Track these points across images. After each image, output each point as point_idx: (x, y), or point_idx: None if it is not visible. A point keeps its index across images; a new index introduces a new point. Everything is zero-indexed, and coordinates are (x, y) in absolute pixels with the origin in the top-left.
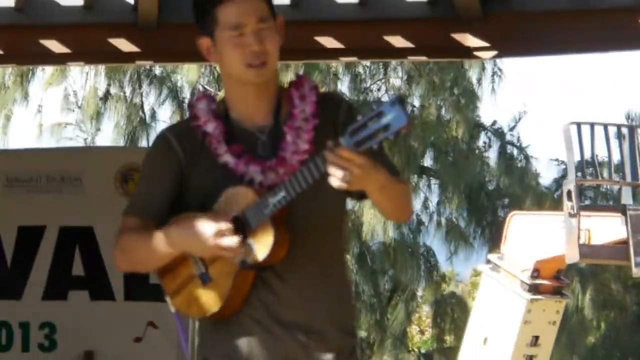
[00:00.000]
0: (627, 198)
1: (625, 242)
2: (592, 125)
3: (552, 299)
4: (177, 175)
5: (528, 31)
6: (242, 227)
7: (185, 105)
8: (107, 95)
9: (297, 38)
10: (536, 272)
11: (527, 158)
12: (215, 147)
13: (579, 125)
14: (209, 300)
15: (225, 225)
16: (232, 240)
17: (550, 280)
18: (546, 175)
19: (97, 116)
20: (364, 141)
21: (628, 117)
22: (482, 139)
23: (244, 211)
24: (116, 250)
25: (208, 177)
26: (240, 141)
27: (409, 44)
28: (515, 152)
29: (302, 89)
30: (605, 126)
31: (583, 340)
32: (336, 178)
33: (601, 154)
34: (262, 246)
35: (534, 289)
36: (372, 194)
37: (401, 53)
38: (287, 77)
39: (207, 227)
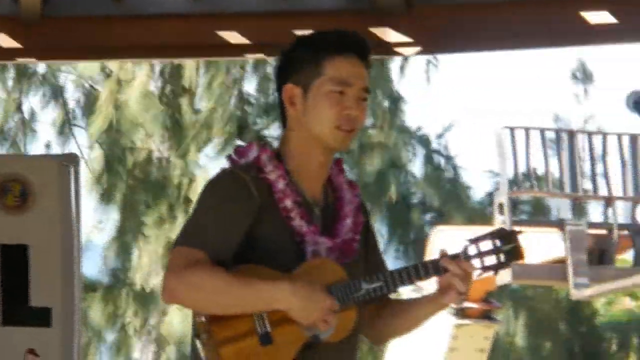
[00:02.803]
0: (565, 212)
1: (563, 261)
2: (526, 130)
3: (481, 323)
4: (252, 218)
5: (456, 25)
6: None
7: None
8: None
9: (196, 33)
10: None
11: (455, 168)
12: (285, 207)
13: (512, 130)
14: None
15: (336, 307)
16: (333, 320)
17: (478, 303)
18: (478, 188)
19: None
20: (475, 261)
21: (556, 120)
22: (407, 146)
23: (330, 286)
24: (179, 282)
25: (274, 233)
26: (302, 207)
27: None
28: (442, 161)
29: (345, 176)
30: (542, 131)
31: None
32: (457, 291)
33: (538, 162)
34: (342, 329)
35: (460, 312)
36: (425, 316)
37: None
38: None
39: (324, 302)
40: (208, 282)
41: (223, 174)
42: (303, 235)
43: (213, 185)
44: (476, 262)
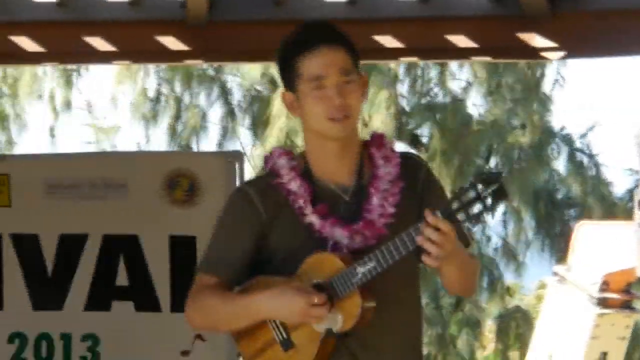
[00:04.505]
0: None
1: None
2: None
3: (622, 313)
4: (258, 234)
5: (599, 31)
6: (328, 295)
7: (237, 109)
8: (158, 97)
9: (354, 37)
10: (605, 285)
11: (597, 166)
12: (300, 206)
13: None
14: None
15: (318, 299)
16: (322, 312)
17: (619, 294)
18: (619, 185)
19: (148, 118)
20: (460, 214)
21: None
22: (551, 145)
23: (330, 279)
24: (192, 308)
25: (290, 237)
26: (323, 201)
27: (472, 44)
28: (585, 160)
29: (384, 149)
30: None
31: None
32: (432, 255)
33: None
34: (350, 316)
35: (602, 302)
36: (448, 269)
37: (464, 53)
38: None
39: (298, 299)
40: (209, 305)
41: (231, 196)
42: (319, 230)
43: (223, 209)
44: (461, 215)
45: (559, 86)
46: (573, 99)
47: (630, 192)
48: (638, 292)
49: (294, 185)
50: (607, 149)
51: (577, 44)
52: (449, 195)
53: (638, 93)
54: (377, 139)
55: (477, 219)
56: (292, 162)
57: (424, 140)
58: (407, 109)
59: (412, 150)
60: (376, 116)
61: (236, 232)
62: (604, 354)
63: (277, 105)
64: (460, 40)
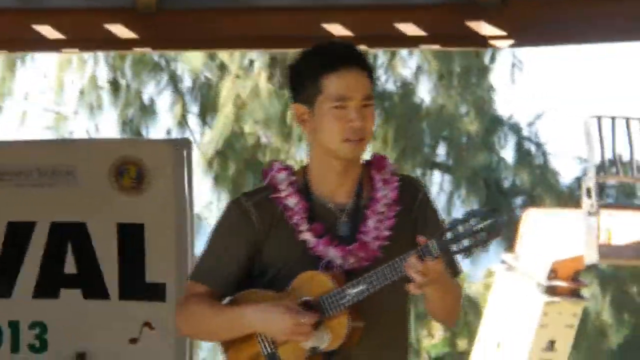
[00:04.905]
0: None
1: None
2: (613, 119)
3: (570, 301)
4: (252, 246)
5: (548, 19)
6: (317, 313)
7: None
8: (107, 84)
9: (303, 25)
10: (553, 273)
11: (545, 155)
12: (295, 223)
13: (599, 119)
14: None
15: (306, 319)
16: (309, 331)
17: (567, 282)
18: (567, 174)
19: (96, 106)
20: (451, 246)
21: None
22: (499, 133)
23: (319, 298)
24: (181, 315)
25: (284, 253)
26: (320, 219)
27: (421, 32)
28: (533, 148)
29: (384, 172)
30: (627, 120)
31: (602, 345)
32: (416, 284)
33: (623, 149)
34: (337, 335)
35: (550, 290)
36: (432, 297)
37: (413, 41)
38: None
39: (287, 317)
40: (197, 315)
41: (227, 206)
42: (313, 248)
43: (218, 219)
44: (453, 247)
45: (508, 74)
46: (521, 88)
47: (578, 181)
48: (586, 280)
49: (292, 201)
50: (555, 137)
51: (526, 33)
52: (443, 222)
53: (586, 82)
54: (379, 161)
55: (469, 252)
56: (291, 177)
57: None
58: None
59: None
60: None
61: (230, 243)
62: (552, 342)
63: (226, 92)
64: (409, 29)
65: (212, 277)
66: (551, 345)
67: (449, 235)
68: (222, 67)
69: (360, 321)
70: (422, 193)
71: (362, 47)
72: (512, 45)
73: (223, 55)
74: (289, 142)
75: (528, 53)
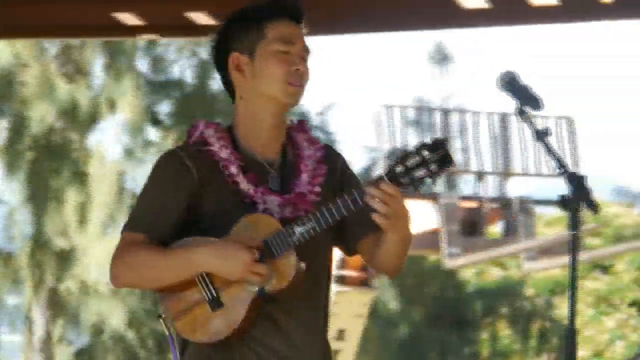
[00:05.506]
0: (439, 185)
1: (436, 232)
2: (402, 108)
3: (359, 290)
4: (191, 194)
5: (343, 8)
6: (263, 254)
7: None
8: None
9: (93, 15)
10: (342, 263)
11: (333, 144)
12: (231, 173)
13: (389, 108)
14: (219, 326)
15: (255, 256)
16: (263, 269)
17: (357, 272)
18: (356, 163)
19: None
20: (404, 178)
21: (420, 101)
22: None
23: (265, 238)
24: (118, 265)
25: (221, 203)
26: (251, 172)
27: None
28: (322, 137)
29: (307, 134)
30: (418, 109)
31: (392, 334)
32: (380, 213)
33: (412, 138)
34: (283, 276)
35: (340, 280)
36: (390, 243)
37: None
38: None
39: (241, 254)
40: (139, 259)
41: (162, 158)
42: (251, 196)
43: (152, 168)
44: (405, 179)
45: None
46: (313, 77)
47: (367, 170)
48: (375, 270)
49: (225, 152)
50: (346, 127)
51: (320, 22)
52: (392, 162)
53: (375, 72)
54: (300, 124)
55: (421, 183)
56: (219, 132)
57: (161, 118)
58: (149, 88)
59: (153, 128)
60: (123, 98)
61: (169, 192)
62: (342, 331)
63: (18, 80)
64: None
65: (151, 226)
66: (341, 335)
67: (399, 168)
68: (17, 56)
69: (303, 263)
70: (341, 158)
71: (156, 37)
72: (307, 34)
73: (16, 43)
74: (82, 130)
75: (318, 42)
